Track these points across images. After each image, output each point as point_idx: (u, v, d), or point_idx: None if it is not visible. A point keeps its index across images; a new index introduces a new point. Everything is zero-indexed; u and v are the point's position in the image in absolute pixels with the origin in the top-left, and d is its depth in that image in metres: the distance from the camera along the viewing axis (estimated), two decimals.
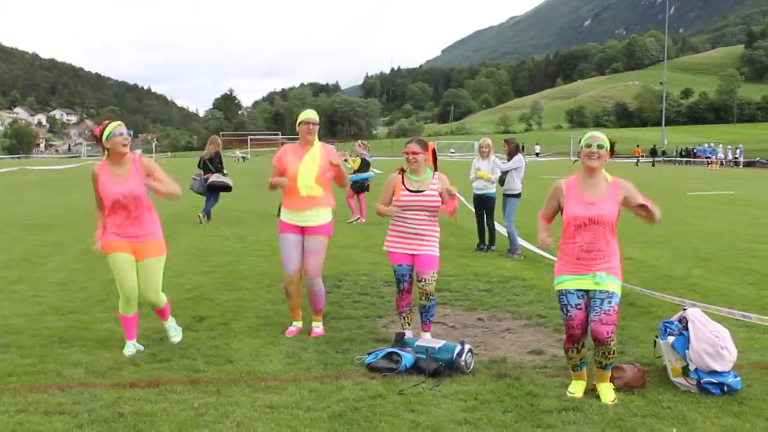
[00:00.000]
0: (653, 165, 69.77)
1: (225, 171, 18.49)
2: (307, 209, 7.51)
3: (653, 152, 75.89)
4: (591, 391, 5.87)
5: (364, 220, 18.76)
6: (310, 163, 7.46)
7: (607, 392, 5.79)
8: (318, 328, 7.77)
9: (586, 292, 5.78)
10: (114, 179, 6.73)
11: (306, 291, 7.82)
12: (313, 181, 7.45)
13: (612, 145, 5.85)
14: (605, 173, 5.85)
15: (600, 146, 5.73)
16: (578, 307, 5.78)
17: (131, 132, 6.80)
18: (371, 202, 19.49)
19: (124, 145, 6.67)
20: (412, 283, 7.44)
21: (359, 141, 20.10)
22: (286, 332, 7.72)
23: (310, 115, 7.71)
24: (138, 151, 6.97)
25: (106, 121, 6.84)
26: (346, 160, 18.54)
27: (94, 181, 6.82)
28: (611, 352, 5.72)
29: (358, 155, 19.11)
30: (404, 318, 7.56)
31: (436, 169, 7.48)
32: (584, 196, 5.79)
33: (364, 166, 19.02)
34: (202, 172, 18.53)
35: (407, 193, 7.26)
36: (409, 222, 7.29)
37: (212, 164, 18.34)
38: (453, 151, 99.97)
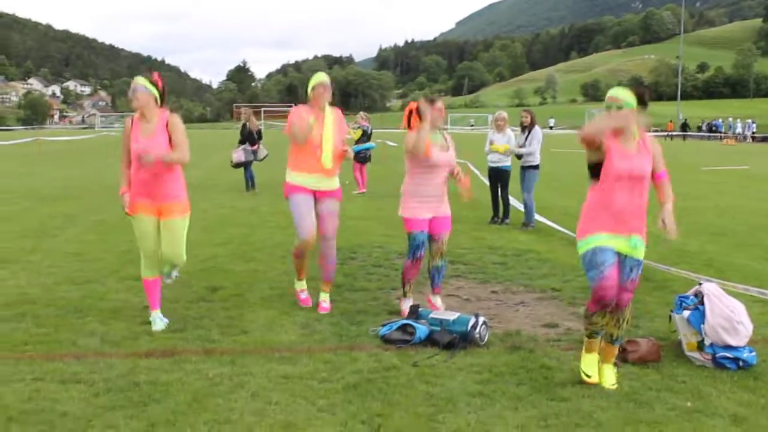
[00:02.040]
0: (684, 139, 70.11)
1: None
2: (322, 175, 7.42)
3: (684, 127, 75.86)
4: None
5: (365, 191, 18.91)
6: (330, 133, 7.39)
7: (609, 375, 5.57)
8: (326, 302, 7.62)
9: (618, 253, 5.44)
10: (140, 134, 6.66)
11: (319, 257, 7.70)
12: (333, 153, 7.40)
13: (641, 96, 5.39)
14: (635, 130, 5.44)
15: (619, 107, 5.32)
16: (613, 264, 5.36)
17: (144, 87, 6.63)
18: (370, 171, 19.65)
19: (138, 100, 6.59)
20: (423, 253, 7.44)
21: (361, 113, 20.31)
22: (301, 301, 7.71)
23: (322, 77, 7.46)
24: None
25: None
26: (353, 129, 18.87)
27: (125, 134, 6.75)
28: (625, 320, 5.57)
29: (359, 126, 19.32)
30: (409, 287, 7.58)
31: (410, 127, 7.34)
32: (624, 148, 5.39)
33: (365, 137, 19.30)
34: (248, 144, 19.39)
35: (437, 151, 7.23)
36: (433, 182, 7.27)
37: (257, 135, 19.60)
38: (473, 123, 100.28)
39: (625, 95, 5.36)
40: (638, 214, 5.45)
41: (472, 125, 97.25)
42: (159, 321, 6.90)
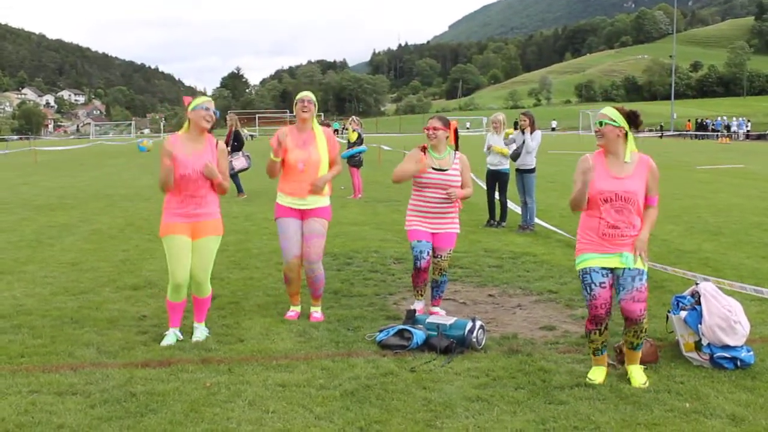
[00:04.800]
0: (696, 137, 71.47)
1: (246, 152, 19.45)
2: (310, 194, 7.37)
3: (703, 126, 77.31)
4: (612, 374, 5.82)
5: (360, 196, 18.95)
6: (324, 153, 7.37)
7: (638, 375, 5.62)
8: (317, 313, 7.58)
9: (611, 270, 5.58)
10: (186, 154, 6.56)
11: (305, 277, 7.63)
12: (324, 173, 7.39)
13: (628, 115, 5.54)
14: (627, 152, 5.55)
15: (601, 123, 5.51)
16: (602, 285, 5.56)
17: (217, 112, 6.70)
18: (365, 175, 19.68)
19: (207, 121, 6.57)
20: (429, 261, 7.43)
21: (353, 117, 20.42)
22: (286, 316, 7.61)
23: (304, 93, 7.53)
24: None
25: (199, 94, 6.75)
26: (344, 128, 18.95)
27: (168, 155, 6.52)
28: (643, 330, 5.58)
29: (353, 130, 19.35)
30: (418, 291, 7.59)
31: (457, 148, 7.47)
32: (611, 171, 5.54)
33: (358, 141, 19.34)
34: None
35: (432, 171, 7.24)
36: (430, 201, 7.30)
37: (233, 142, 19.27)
38: (468, 126, 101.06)
39: (610, 114, 5.54)
40: (628, 234, 5.55)
41: (468, 128, 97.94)
42: (172, 335, 6.77)
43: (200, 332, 6.88)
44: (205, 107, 6.57)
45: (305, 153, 7.29)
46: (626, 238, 5.53)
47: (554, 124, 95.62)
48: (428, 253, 7.41)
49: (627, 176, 5.51)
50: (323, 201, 7.50)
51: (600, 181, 5.52)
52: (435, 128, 7.27)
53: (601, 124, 5.54)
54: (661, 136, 73.75)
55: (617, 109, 5.60)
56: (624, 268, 5.54)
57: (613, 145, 5.54)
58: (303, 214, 7.44)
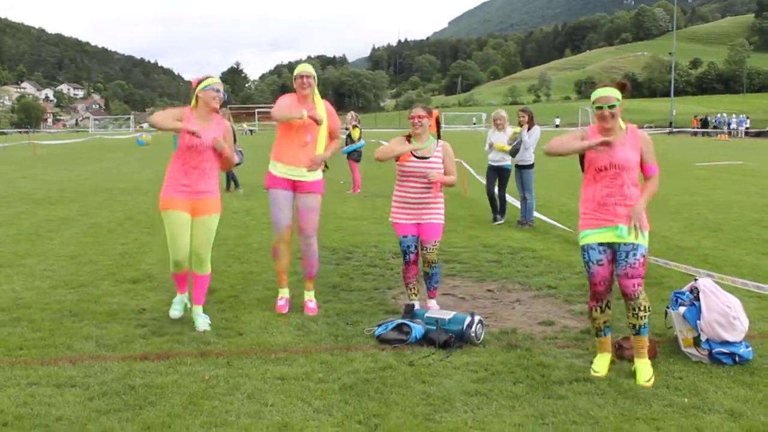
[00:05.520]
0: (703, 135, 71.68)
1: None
2: (304, 166, 7.38)
3: (704, 123, 77.67)
4: (616, 366, 5.82)
5: (359, 191, 19.01)
6: (323, 129, 7.41)
7: (644, 371, 5.57)
8: (312, 302, 7.57)
9: (610, 246, 5.63)
10: (195, 126, 6.69)
11: (300, 254, 7.66)
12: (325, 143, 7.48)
13: (622, 88, 5.65)
14: (620, 122, 5.67)
15: (612, 106, 5.53)
16: (600, 263, 5.64)
17: (225, 94, 6.94)
18: (364, 170, 19.67)
19: (216, 101, 6.78)
20: (417, 254, 7.44)
21: (351, 113, 20.33)
22: (276, 308, 7.55)
23: (303, 68, 7.46)
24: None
25: (208, 76, 6.95)
26: (349, 128, 18.94)
27: (180, 116, 6.74)
28: (641, 308, 5.59)
29: (354, 126, 19.39)
30: (411, 289, 7.57)
31: (439, 137, 7.47)
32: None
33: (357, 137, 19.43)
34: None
35: (414, 159, 7.24)
36: (413, 190, 7.27)
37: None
38: (475, 122, 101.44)
39: (613, 95, 5.58)
40: (624, 203, 5.58)
41: (474, 123, 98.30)
42: (179, 303, 7.17)
43: (201, 321, 6.93)
44: (216, 89, 6.79)
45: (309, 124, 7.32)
46: (622, 207, 5.56)
47: (558, 121, 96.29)
48: (415, 246, 7.43)
49: (620, 144, 5.56)
50: (317, 174, 7.51)
51: (595, 151, 5.58)
52: (420, 116, 7.26)
53: (611, 107, 5.54)
54: (669, 133, 73.89)
55: (613, 86, 5.67)
56: (620, 243, 5.58)
57: (616, 123, 5.64)
58: (296, 187, 7.44)
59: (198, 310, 7.03)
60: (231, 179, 19.49)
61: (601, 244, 5.64)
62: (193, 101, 6.88)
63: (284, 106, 7.35)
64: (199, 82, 6.84)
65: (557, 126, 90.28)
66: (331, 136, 7.56)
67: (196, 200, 6.82)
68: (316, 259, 7.72)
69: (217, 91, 6.79)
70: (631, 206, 5.56)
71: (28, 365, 5.85)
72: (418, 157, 7.25)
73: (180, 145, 6.73)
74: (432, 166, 7.22)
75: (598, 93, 5.64)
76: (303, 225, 7.51)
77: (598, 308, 5.76)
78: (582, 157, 5.78)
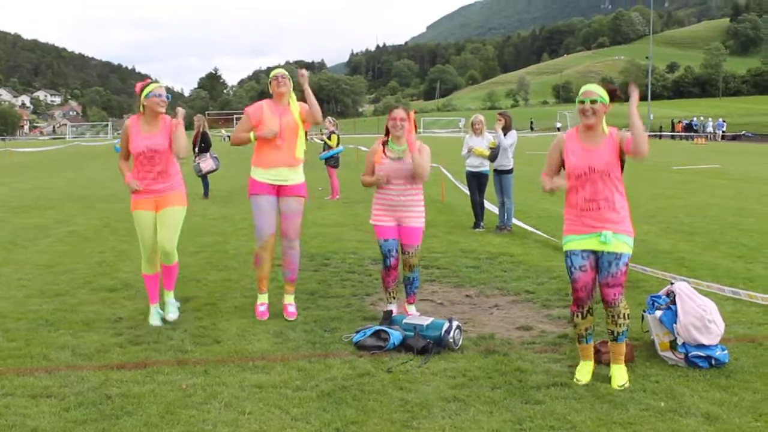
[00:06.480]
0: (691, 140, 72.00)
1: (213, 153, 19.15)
2: (286, 167, 7.43)
3: (689, 127, 78.21)
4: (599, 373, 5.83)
5: (338, 197, 18.95)
6: (299, 122, 7.48)
7: (619, 376, 5.61)
8: (291, 306, 7.59)
9: (593, 251, 5.61)
10: (142, 134, 7.10)
11: (282, 257, 7.67)
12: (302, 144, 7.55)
13: (612, 92, 5.62)
14: (604, 126, 5.60)
15: (593, 101, 5.49)
16: (582, 269, 5.62)
17: (169, 96, 7.12)
18: (343, 176, 19.67)
19: (161, 106, 7.04)
20: (398, 258, 7.43)
21: (328, 117, 20.28)
22: (257, 315, 7.55)
23: (278, 70, 7.59)
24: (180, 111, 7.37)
25: (148, 80, 7.25)
26: (328, 136, 18.89)
27: (125, 133, 7.21)
28: (621, 316, 5.61)
29: (331, 132, 19.31)
30: (390, 293, 7.55)
31: (416, 130, 7.49)
32: (583, 144, 5.60)
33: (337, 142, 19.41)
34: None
35: (388, 160, 7.23)
36: (393, 192, 7.25)
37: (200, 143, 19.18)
38: (462, 124, 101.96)
39: (599, 91, 5.56)
40: (607, 207, 5.56)
41: (461, 127, 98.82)
42: (156, 314, 7.34)
43: (171, 307, 7.40)
44: (158, 94, 7.03)
45: (282, 123, 7.38)
46: (604, 212, 5.54)
47: (558, 124, 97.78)
48: (396, 250, 7.41)
49: (598, 149, 5.55)
50: (299, 177, 7.55)
51: (573, 157, 5.61)
52: (401, 118, 7.25)
53: (593, 102, 5.51)
54: (659, 137, 74.31)
55: (601, 85, 5.66)
56: (603, 252, 5.57)
57: (599, 122, 5.59)
58: (279, 191, 7.48)
59: (169, 297, 7.41)
60: (205, 186, 19.46)
61: (584, 250, 5.62)
62: (141, 108, 7.13)
63: (239, 130, 7.56)
64: (143, 87, 7.09)
65: (558, 129, 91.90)
66: (309, 123, 7.64)
67: (158, 197, 7.20)
68: (297, 264, 7.72)
69: (160, 96, 7.03)
70: (614, 211, 5.55)
71: (3, 375, 5.80)
72: (392, 159, 7.23)
73: (132, 152, 7.14)
74: (407, 167, 7.23)
75: (583, 88, 5.64)
76: (286, 229, 7.53)
77: (580, 314, 5.74)
78: (563, 164, 5.77)
